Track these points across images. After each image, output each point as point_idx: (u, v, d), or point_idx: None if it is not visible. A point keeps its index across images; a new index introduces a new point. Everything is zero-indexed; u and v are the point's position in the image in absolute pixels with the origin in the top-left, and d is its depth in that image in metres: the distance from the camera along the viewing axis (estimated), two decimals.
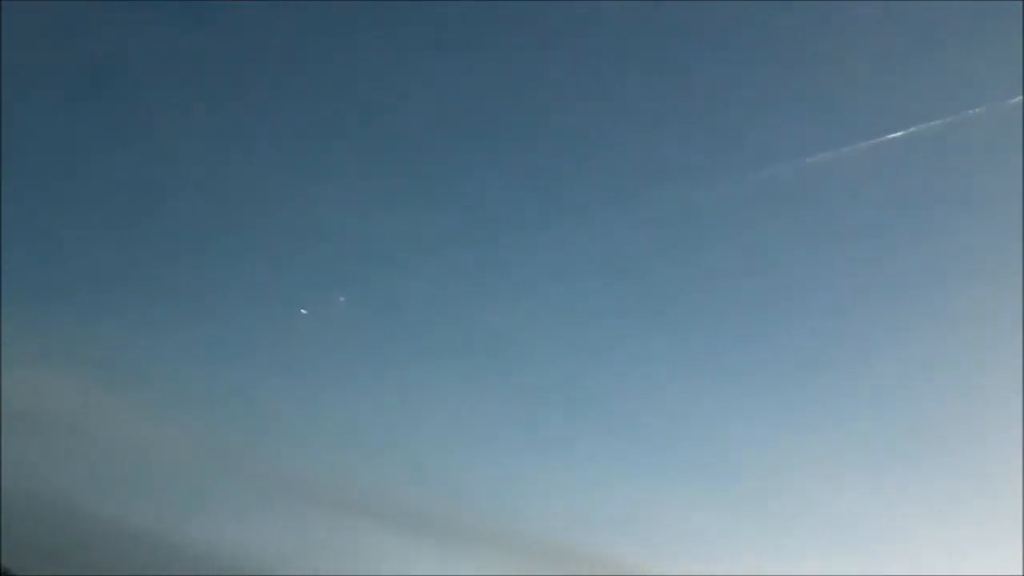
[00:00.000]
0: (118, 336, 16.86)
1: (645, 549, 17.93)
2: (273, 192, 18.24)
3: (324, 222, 18.60)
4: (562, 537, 17.60)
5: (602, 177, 19.52)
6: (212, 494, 15.86)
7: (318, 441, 17.29)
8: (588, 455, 18.91)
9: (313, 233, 18.54)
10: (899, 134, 16.53)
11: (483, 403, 18.54)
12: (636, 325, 19.72)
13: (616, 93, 19.36)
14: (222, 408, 16.94)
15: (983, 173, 19.45)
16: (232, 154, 18.06)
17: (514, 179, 19.37)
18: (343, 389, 18.17)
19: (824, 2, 18.94)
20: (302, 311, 17.05)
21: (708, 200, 19.27)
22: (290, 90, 18.88)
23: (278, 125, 18.39)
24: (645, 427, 19.62)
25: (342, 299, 17.32)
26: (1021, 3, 16.42)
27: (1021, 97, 15.56)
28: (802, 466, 19.90)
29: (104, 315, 17.17)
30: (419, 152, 18.80)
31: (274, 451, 16.81)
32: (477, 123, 19.55)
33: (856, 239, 20.33)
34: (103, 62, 17.38)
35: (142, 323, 17.35)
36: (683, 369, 19.90)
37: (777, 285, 20.16)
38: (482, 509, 17.18)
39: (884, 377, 21.51)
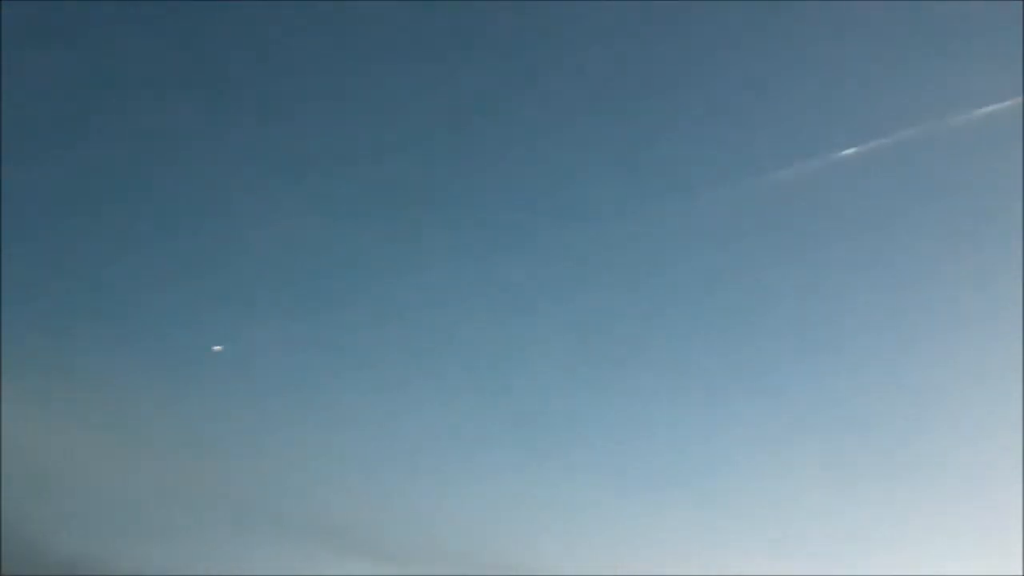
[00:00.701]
0: (96, 366, 16.65)
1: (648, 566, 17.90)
2: (264, 204, 18.10)
3: (316, 232, 18.42)
4: (563, 564, 17.53)
5: (602, 183, 19.45)
6: (195, 526, 15.75)
7: (300, 468, 17.15)
8: (587, 473, 18.82)
9: (302, 244, 18.34)
10: (897, 136, 16.42)
11: (472, 420, 18.42)
12: (633, 333, 19.63)
13: (615, 96, 19.32)
14: (207, 434, 16.79)
15: (986, 174, 19.47)
16: (220, 162, 18.04)
17: (512, 184, 19.24)
18: (329, 409, 18.00)
19: (824, 2, 18.94)
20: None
21: (707, 204, 19.12)
22: (276, 96, 18.83)
23: (263, 136, 18.30)
24: (641, 440, 19.56)
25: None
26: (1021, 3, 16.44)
27: (1021, 98, 15.50)
28: (801, 466, 19.99)
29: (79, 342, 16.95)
30: (413, 156, 18.69)
31: (260, 481, 16.68)
32: (471, 127, 19.44)
33: (860, 241, 20.34)
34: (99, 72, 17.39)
35: (127, 352, 17.18)
36: (681, 374, 19.86)
37: (775, 287, 20.14)
38: (471, 535, 17.07)
39: (884, 375, 21.60)
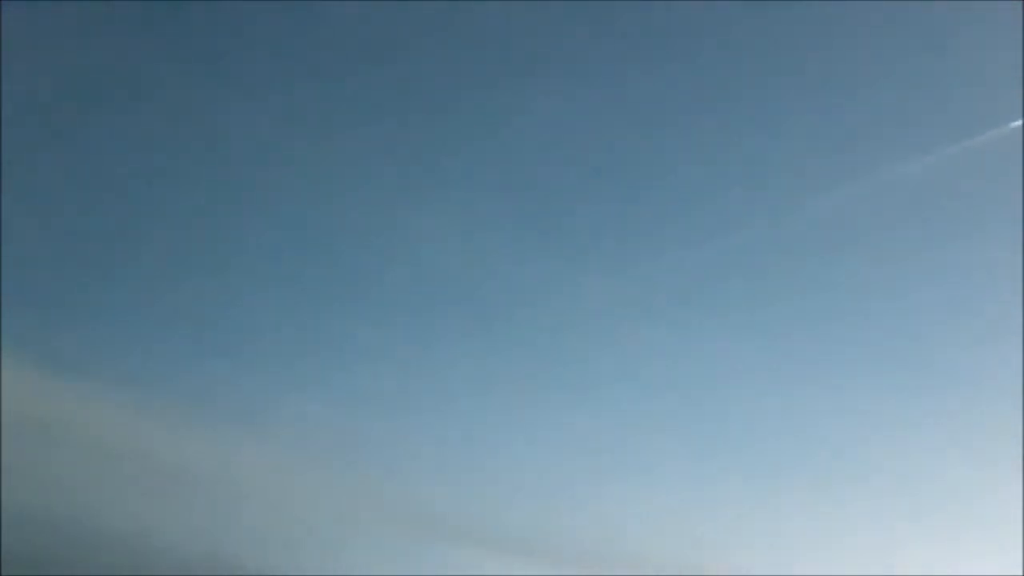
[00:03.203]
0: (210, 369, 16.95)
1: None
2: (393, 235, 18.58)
3: (442, 265, 18.80)
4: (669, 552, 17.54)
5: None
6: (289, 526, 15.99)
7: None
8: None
9: (426, 278, 18.72)
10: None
11: (616, 436, 18.59)
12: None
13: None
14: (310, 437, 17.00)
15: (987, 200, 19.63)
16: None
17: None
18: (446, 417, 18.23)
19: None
20: None
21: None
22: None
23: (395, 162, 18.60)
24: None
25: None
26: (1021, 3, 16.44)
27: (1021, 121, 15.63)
28: (804, 468, 20.01)
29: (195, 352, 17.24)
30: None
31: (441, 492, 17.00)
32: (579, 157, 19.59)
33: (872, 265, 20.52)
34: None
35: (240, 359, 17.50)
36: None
37: (782, 298, 20.29)
38: (619, 540, 17.16)
39: (884, 378, 21.63)
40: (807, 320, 19.91)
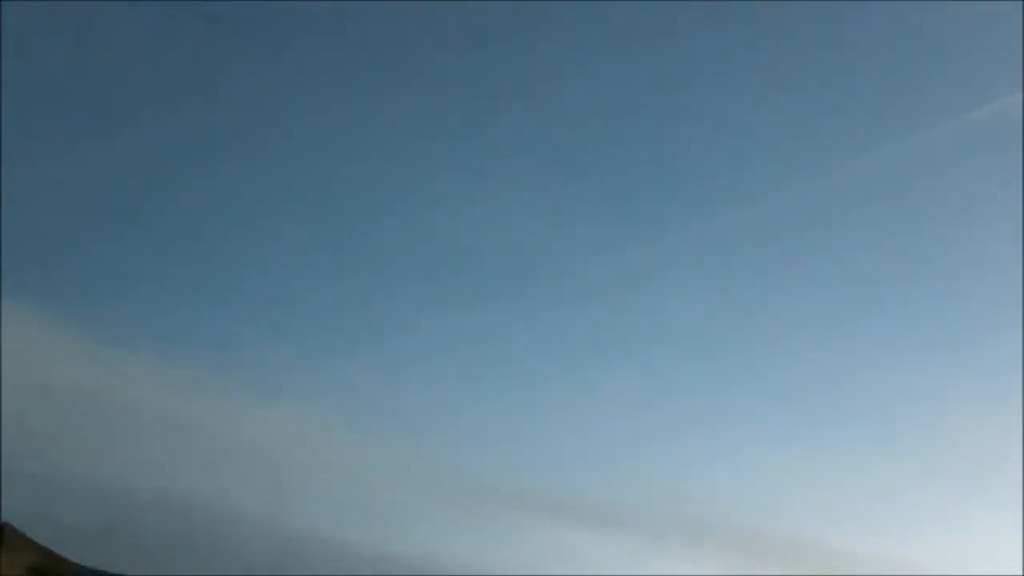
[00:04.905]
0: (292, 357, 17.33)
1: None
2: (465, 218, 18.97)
3: (487, 233, 19.27)
4: (749, 524, 17.69)
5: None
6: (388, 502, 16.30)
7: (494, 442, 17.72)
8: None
9: (472, 244, 19.21)
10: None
11: (660, 399, 19.07)
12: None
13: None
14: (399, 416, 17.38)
15: (985, 175, 19.80)
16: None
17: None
18: (521, 391, 18.62)
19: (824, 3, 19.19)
20: None
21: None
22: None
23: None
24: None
25: None
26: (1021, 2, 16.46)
27: (1021, 96, 15.71)
28: (804, 463, 20.02)
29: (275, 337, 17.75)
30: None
31: (451, 456, 17.37)
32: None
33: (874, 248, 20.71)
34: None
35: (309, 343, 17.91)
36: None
37: (789, 289, 20.47)
38: (669, 502, 17.52)
39: (887, 377, 21.69)
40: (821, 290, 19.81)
